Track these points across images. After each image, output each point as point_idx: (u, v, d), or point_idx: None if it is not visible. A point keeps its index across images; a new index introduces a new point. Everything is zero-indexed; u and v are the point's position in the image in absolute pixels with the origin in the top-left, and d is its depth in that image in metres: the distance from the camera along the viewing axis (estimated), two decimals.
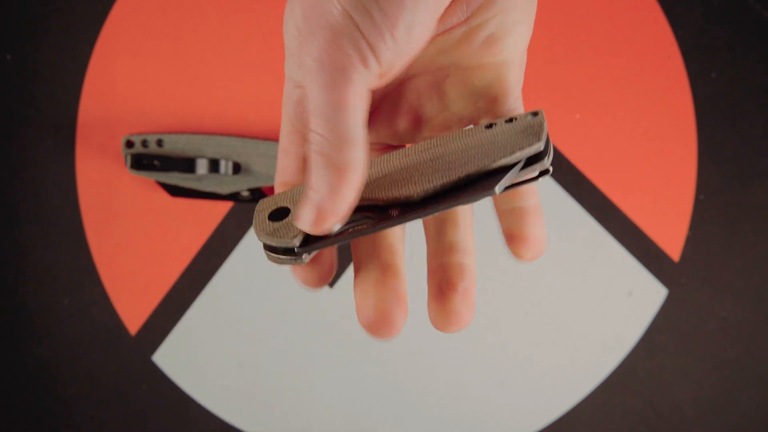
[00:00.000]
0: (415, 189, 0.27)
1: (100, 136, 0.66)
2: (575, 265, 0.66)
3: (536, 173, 0.27)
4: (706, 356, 0.66)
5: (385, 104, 0.30)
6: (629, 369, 0.66)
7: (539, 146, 0.26)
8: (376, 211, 0.28)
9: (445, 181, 0.27)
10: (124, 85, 0.66)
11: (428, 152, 0.28)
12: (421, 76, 0.30)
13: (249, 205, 0.66)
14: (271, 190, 0.66)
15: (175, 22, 0.65)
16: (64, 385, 0.67)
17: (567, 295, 0.66)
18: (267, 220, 0.28)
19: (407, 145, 0.30)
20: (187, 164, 0.63)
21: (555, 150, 0.66)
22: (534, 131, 0.27)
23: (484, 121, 0.29)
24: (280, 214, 0.28)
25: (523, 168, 0.27)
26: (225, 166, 0.64)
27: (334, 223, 0.26)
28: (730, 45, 0.65)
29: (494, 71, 0.29)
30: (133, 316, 0.67)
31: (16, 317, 0.66)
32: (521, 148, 0.26)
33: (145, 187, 0.66)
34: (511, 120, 0.28)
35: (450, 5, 0.27)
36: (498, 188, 0.26)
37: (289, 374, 0.67)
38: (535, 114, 0.27)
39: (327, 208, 0.25)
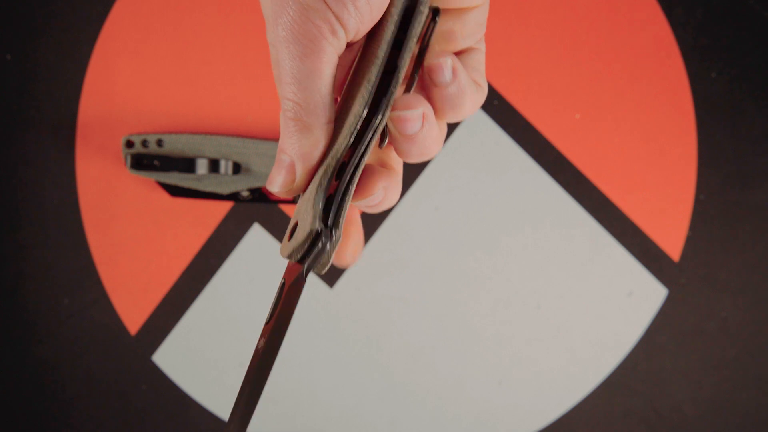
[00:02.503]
0: (360, 99, 0.28)
1: (100, 136, 0.66)
2: (575, 265, 0.66)
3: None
4: (706, 356, 0.66)
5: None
6: (629, 369, 0.66)
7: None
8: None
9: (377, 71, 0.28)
10: (124, 85, 0.66)
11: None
12: None
13: (249, 205, 0.66)
14: None
15: (175, 22, 0.65)
16: (64, 385, 0.67)
17: (567, 295, 0.66)
18: (287, 242, 0.29)
19: None
20: (187, 164, 0.63)
21: (555, 149, 0.66)
22: None
23: None
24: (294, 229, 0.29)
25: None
26: (225, 166, 0.64)
27: (304, 183, 0.28)
28: (730, 45, 0.65)
29: (454, 16, 0.30)
30: (133, 316, 0.67)
31: (16, 317, 0.66)
32: None
33: (145, 187, 0.66)
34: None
35: None
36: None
37: (289, 374, 0.67)
38: None
39: (298, 168, 0.28)
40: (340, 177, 0.28)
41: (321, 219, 0.27)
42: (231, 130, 0.66)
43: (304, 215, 0.28)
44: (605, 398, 0.66)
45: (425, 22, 0.28)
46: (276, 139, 0.65)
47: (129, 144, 0.64)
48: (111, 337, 0.67)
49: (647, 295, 0.66)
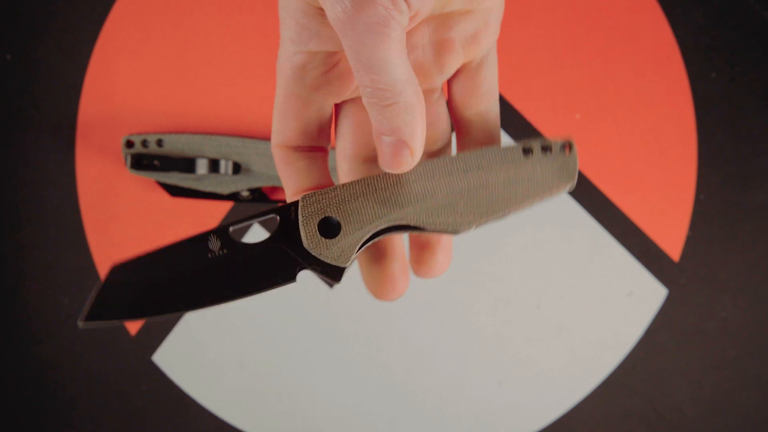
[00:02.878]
0: (462, 222, 0.29)
1: (100, 136, 0.66)
2: (575, 265, 0.66)
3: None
4: (706, 356, 0.66)
5: None
6: (629, 369, 0.66)
7: (572, 185, 0.29)
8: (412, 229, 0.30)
9: (489, 218, 0.29)
10: (124, 85, 0.66)
11: (473, 177, 0.29)
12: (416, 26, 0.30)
13: (249, 205, 0.66)
14: (271, 190, 0.66)
15: (175, 22, 0.65)
16: (64, 385, 0.67)
17: (567, 295, 0.66)
18: (319, 235, 0.29)
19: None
20: (187, 164, 0.63)
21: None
22: (569, 172, 0.30)
23: (520, 144, 0.30)
24: (330, 226, 0.29)
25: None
26: (225, 166, 0.64)
27: (417, 159, 0.28)
28: (730, 45, 0.65)
29: (480, 17, 0.30)
30: None
31: (16, 317, 0.66)
32: (557, 188, 0.30)
33: (145, 187, 0.66)
34: (546, 148, 0.30)
35: None
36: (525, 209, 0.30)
37: (289, 374, 0.67)
38: (569, 146, 0.30)
39: (411, 140, 0.27)
40: (385, 232, 0.29)
41: (351, 260, 0.29)
42: (231, 130, 0.66)
43: (347, 232, 0.29)
44: (605, 398, 0.66)
45: None
46: None
47: (129, 144, 0.64)
48: (111, 337, 0.67)
49: (647, 295, 0.66)
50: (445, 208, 0.29)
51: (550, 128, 0.66)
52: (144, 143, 0.64)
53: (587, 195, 0.66)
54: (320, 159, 0.32)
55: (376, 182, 0.29)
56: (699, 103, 0.65)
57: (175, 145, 0.64)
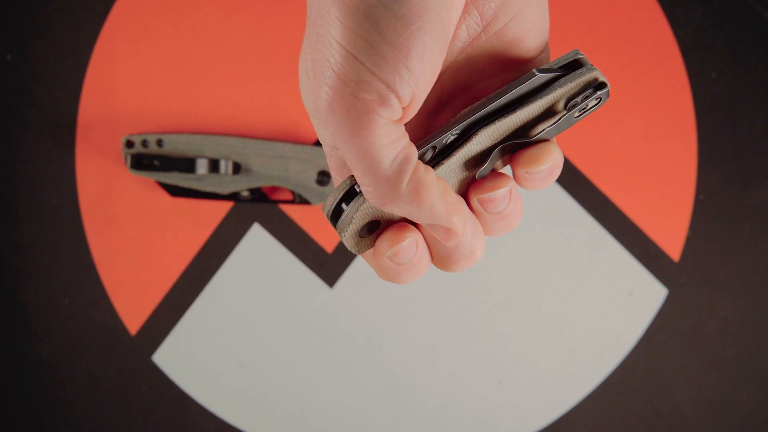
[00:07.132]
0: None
1: (100, 136, 0.66)
2: (575, 265, 0.66)
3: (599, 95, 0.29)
4: (706, 356, 0.66)
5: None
6: (629, 369, 0.66)
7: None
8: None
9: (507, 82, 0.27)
10: (124, 85, 0.66)
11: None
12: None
13: (249, 205, 0.66)
14: (271, 190, 0.66)
15: (175, 22, 0.65)
16: (64, 386, 0.67)
17: (567, 295, 0.66)
18: (358, 236, 0.28)
19: None
20: (187, 164, 0.63)
21: None
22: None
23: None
24: (372, 227, 0.28)
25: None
26: (225, 166, 0.64)
27: (461, 233, 0.27)
28: (730, 45, 0.65)
29: (519, 68, 0.29)
30: (133, 316, 0.67)
31: (16, 317, 0.66)
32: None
33: (145, 187, 0.66)
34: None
35: (460, 19, 0.26)
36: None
37: (289, 374, 0.67)
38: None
39: (447, 225, 0.26)
40: None
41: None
42: (231, 130, 0.66)
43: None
44: (605, 398, 0.66)
45: (581, 90, 0.28)
46: (275, 139, 0.65)
47: (129, 144, 0.64)
48: (111, 337, 0.67)
49: (647, 295, 0.66)
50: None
51: None
52: (144, 143, 0.64)
53: (587, 195, 0.66)
54: None
55: None
56: (699, 103, 0.65)
57: (175, 145, 0.64)
